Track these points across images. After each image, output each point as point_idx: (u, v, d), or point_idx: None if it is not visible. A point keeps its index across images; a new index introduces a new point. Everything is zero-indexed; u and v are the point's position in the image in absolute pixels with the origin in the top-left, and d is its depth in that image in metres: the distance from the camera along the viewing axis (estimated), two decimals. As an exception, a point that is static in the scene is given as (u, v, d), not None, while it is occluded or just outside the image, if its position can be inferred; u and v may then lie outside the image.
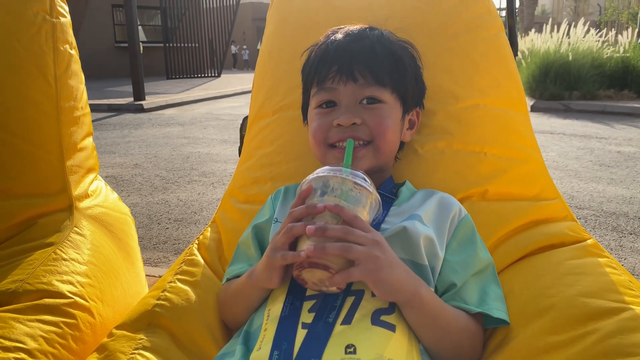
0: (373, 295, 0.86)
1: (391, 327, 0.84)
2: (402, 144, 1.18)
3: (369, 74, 1.05)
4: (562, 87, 9.46)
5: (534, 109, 8.94)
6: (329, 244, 0.77)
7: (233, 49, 30.99)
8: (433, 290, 0.93)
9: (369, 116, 1.04)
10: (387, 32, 1.15)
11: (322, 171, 0.85)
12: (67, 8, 1.47)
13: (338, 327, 0.83)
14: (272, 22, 1.48)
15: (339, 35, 1.11)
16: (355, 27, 1.13)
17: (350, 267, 0.79)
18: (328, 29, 1.15)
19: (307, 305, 0.87)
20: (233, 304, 1.04)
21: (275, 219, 1.09)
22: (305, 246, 0.80)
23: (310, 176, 0.85)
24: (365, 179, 0.84)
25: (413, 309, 0.85)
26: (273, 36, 1.46)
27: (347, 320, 0.83)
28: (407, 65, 1.10)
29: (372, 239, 0.80)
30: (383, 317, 0.84)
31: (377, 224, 0.99)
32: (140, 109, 10.08)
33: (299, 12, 1.44)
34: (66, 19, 1.44)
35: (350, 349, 0.80)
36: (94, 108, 9.65)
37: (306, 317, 0.86)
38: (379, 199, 0.84)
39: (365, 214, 0.82)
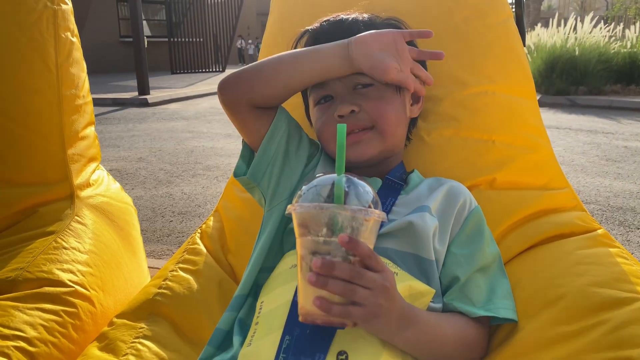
0: None
1: None
2: (413, 121, 1.15)
3: None
4: (569, 82, 9.40)
5: (540, 103, 8.76)
6: (332, 281, 0.70)
7: (242, 43, 30.66)
8: (438, 285, 0.90)
9: (365, 101, 1.01)
10: (372, 15, 1.11)
11: (318, 190, 0.75)
12: (68, -5, 1.45)
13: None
14: (275, 10, 1.46)
15: (324, 25, 1.08)
16: (342, 15, 1.10)
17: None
18: (330, 15, 1.11)
19: None
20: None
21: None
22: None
23: (308, 197, 0.74)
24: (368, 193, 0.75)
25: (397, 344, 0.81)
26: (276, 24, 1.44)
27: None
28: None
29: (382, 283, 0.72)
30: None
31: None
32: (145, 103, 10.08)
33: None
34: (67, 6, 1.43)
35: (342, 356, 0.77)
36: (99, 102, 9.65)
37: None
38: (384, 214, 0.75)
39: (373, 239, 0.75)
